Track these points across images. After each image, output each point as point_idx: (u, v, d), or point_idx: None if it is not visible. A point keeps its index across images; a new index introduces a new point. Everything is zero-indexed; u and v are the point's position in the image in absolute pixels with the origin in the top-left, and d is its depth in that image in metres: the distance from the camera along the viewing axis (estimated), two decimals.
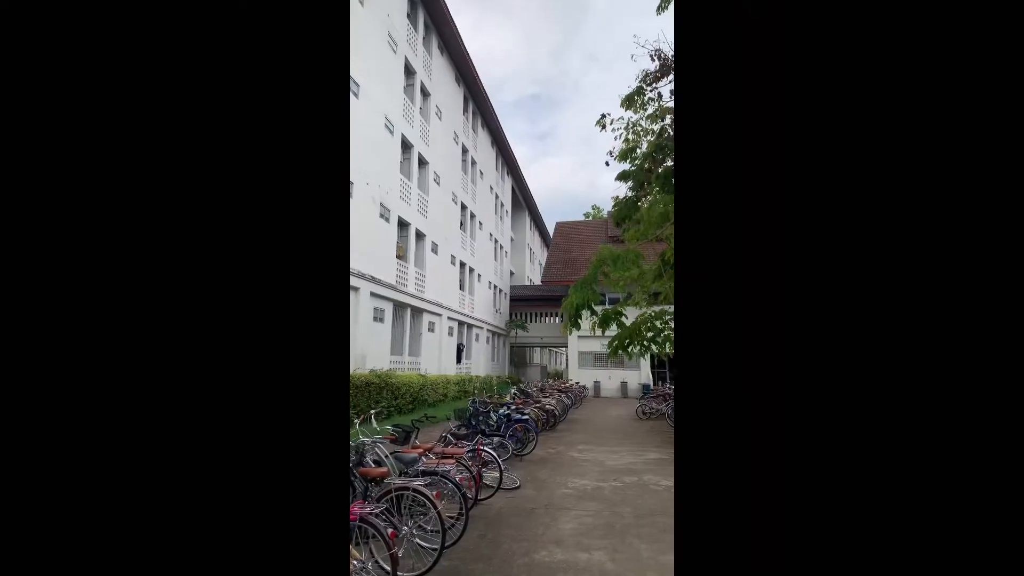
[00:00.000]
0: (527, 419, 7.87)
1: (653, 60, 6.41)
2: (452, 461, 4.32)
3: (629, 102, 6.97)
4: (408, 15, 15.23)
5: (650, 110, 7.27)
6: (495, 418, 8.13)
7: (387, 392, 11.06)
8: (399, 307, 14.37)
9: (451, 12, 17.18)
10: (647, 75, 6.78)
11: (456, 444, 5.81)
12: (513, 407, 9.33)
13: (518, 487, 5.86)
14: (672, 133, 8.59)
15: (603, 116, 9.56)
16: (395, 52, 14.07)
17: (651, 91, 6.91)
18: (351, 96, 11.58)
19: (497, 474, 5.44)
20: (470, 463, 4.93)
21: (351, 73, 11.48)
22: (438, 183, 17.45)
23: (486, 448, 5.40)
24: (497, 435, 7.34)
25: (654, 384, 21.39)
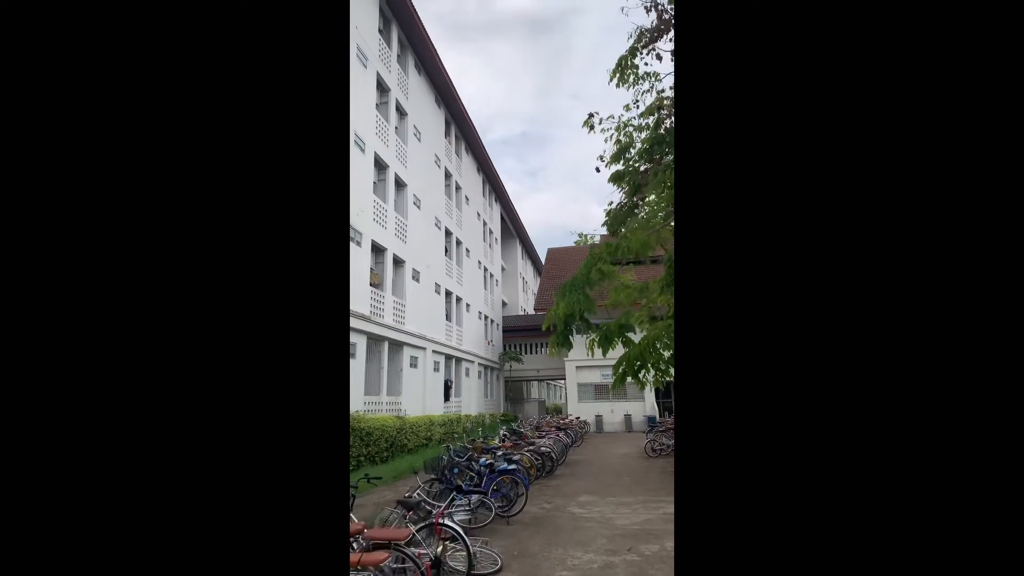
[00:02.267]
0: (515, 469, 6.34)
1: (649, 12, 5.29)
2: (384, 554, 2.85)
3: (620, 71, 5.80)
4: (380, 30, 14.40)
5: (646, 86, 6.09)
6: (477, 468, 6.60)
7: (355, 439, 9.49)
8: (374, 340, 12.91)
9: (428, 34, 16.46)
10: (642, 33, 5.64)
11: (409, 515, 4.28)
12: (500, 453, 7.79)
13: (498, 570, 4.32)
14: (671, 124, 7.43)
15: (591, 116, 8.41)
16: (365, 66, 13.13)
17: (647, 54, 5.75)
18: None
19: (468, 552, 3.93)
20: (421, 549, 3.45)
21: None
22: (418, 207, 16.29)
23: (447, 523, 3.89)
24: (477, 491, 5.81)
25: (660, 416, 19.75)
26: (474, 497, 5.63)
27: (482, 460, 6.71)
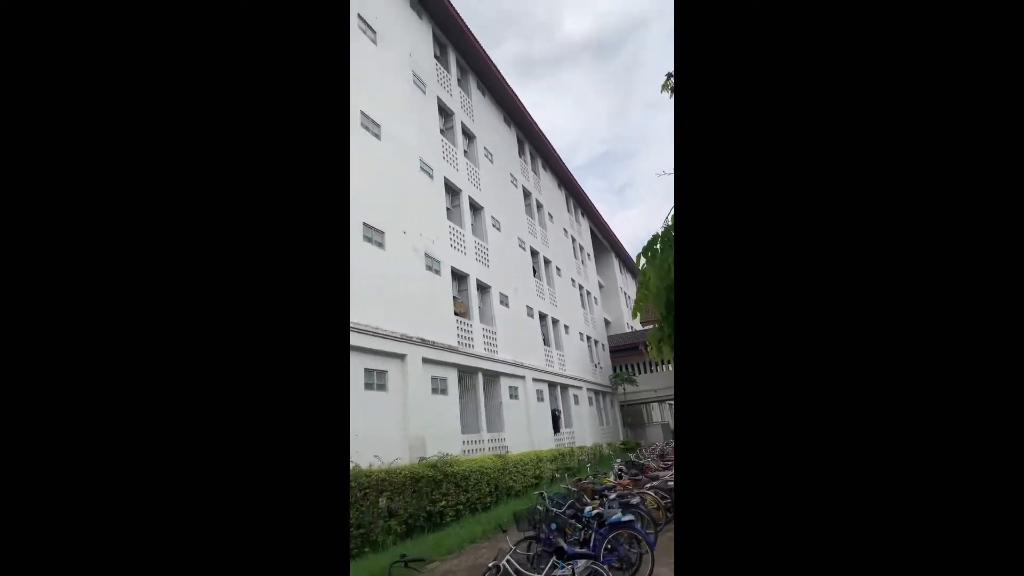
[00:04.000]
0: (631, 520, 4.75)
1: None
2: None
3: None
4: (437, 56, 14.15)
5: None
6: (585, 518, 5.11)
7: (450, 486, 8.42)
8: (466, 373, 12.00)
9: (487, 54, 16.02)
10: None
11: None
12: (614, 495, 6.19)
13: None
14: None
15: (669, 77, 6.93)
16: (424, 92, 12.81)
17: None
18: (372, 137, 10.16)
19: None
20: None
21: (370, 112, 10.13)
22: (498, 229, 15.49)
23: None
24: (584, 555, 4.34)
25: None
26: (580, 564, 4.17)
27: (587, 510, 5.19)
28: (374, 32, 11.08)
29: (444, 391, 10.73)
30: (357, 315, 8.42)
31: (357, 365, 8.34)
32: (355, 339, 8.24)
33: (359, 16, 10.61)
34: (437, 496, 8.04)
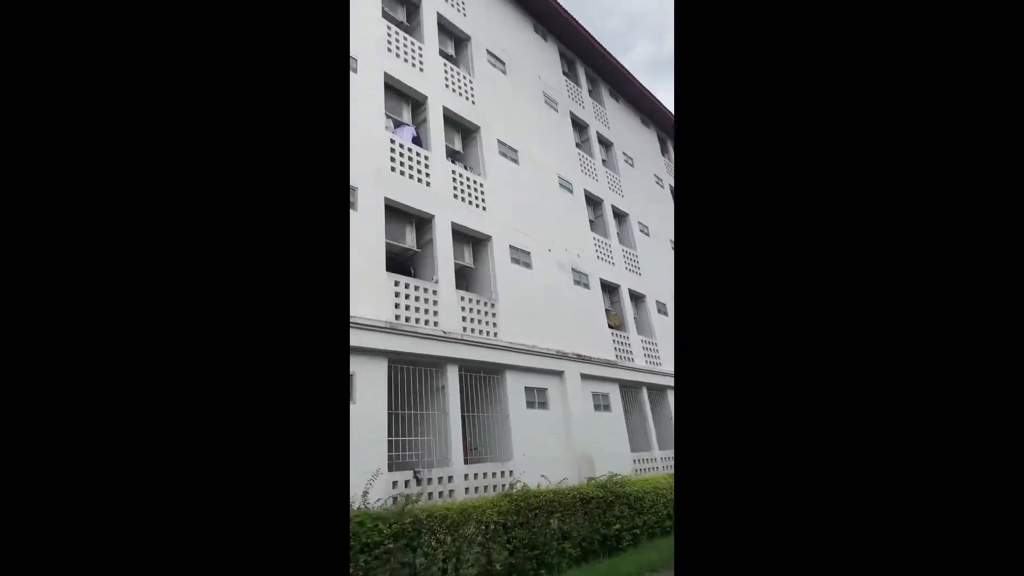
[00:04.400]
0: None
1: None
2: None
3: None
4: (565, 73, 14.25)
5: None
6: None
7: (624, 507, 7.95)
8: (629, 388, 11.43)
9: (615, 58, 15.67)
10: None
11: None
12: None
13: None
14: None
15: None
16: (557, 110, 12.93)
17: None
18: (510, 163, 10.51)
19: None
20: None
21: (506, 139, 10.53)
22: (647, 234, 14.75)
23: None
24: None
25: None
26: None
27: None
28: (503, 63, 11.58)
29: (607, 407, 10.33)
30: (512, 335, 8.60)
31: (517, 384, 8.47)
32: (512, 358, 8.41)
33: (487, 51, 11.20)
34: (610, 518, 7.63)
